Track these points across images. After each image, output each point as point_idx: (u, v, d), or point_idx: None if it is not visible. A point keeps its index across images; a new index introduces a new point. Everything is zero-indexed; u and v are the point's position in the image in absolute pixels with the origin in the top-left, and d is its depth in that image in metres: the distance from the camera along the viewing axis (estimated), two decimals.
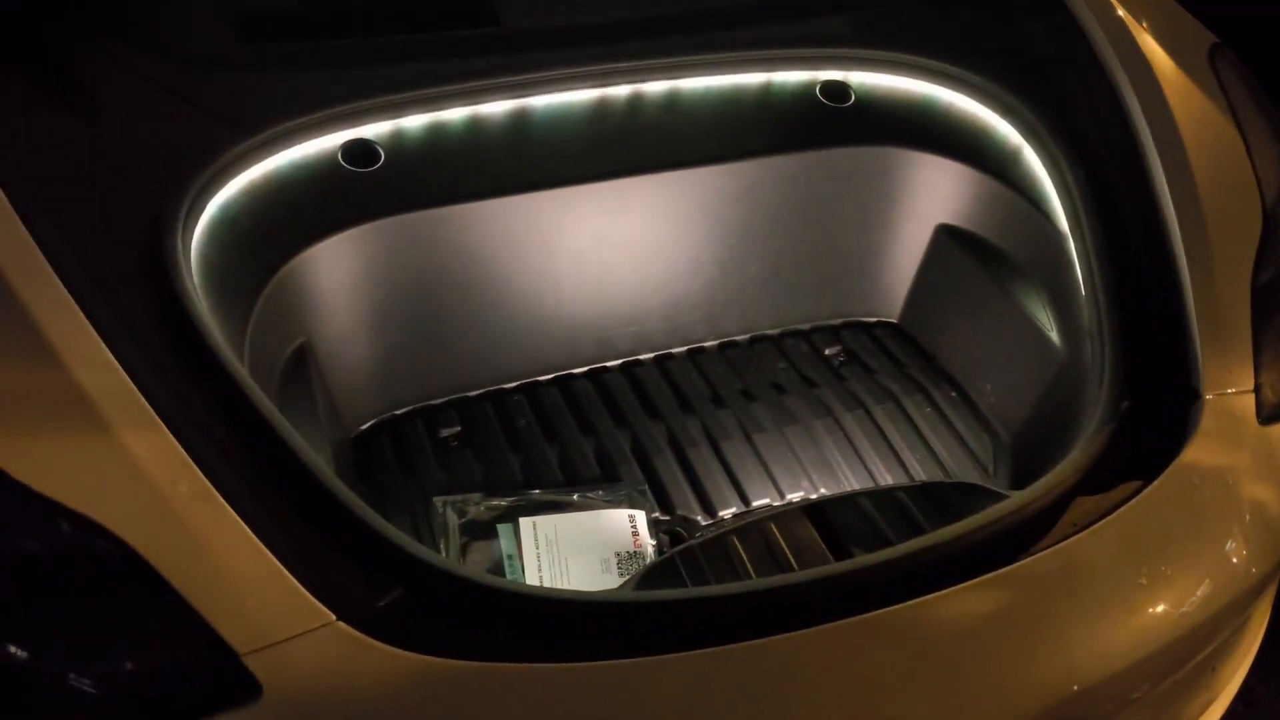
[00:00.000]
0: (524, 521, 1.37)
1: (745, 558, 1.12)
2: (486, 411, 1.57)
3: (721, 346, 1.73)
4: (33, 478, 0.92)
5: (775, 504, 1.46)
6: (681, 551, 1.13)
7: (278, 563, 0.95)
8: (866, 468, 1.52)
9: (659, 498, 1.46)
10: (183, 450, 0.95)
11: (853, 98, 1.64)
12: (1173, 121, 1.43)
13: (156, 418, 0.97)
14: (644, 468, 1.50)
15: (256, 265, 1.31)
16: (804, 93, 1.64)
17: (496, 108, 1.51)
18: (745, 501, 1.46)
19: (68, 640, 0.93)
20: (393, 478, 1.47)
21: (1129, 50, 1.51)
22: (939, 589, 1.01)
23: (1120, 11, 1.59)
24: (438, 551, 1.35)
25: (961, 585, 1.03)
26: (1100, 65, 1.50)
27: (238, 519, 0.95)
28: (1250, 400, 1.25)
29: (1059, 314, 1.51)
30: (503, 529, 1.37)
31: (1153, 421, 1.23)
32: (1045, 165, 1.51)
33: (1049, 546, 1.08)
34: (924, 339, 1.75)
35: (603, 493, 1.43)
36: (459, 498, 1.40)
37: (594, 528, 1.37)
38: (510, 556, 1.34)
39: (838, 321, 1.79)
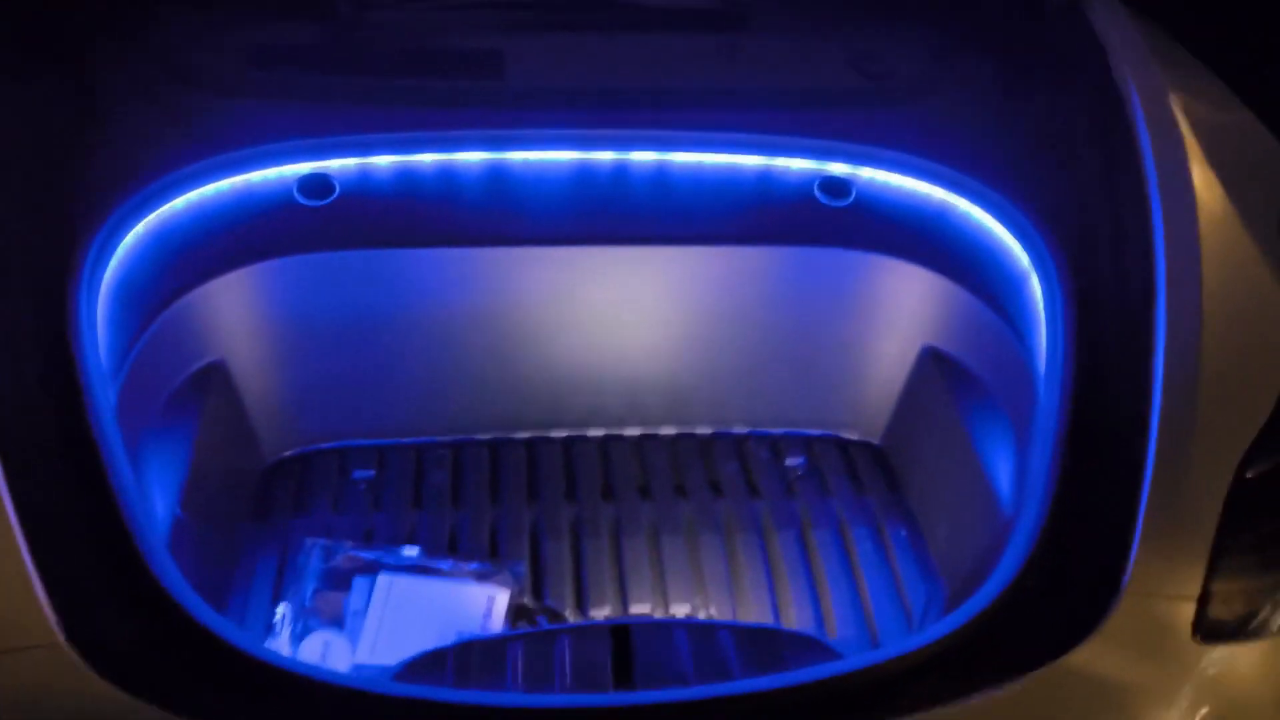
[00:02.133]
0: (382, 578, 1.33)
1: (520, 667, 1.03)
2: (408, 461, 1.54)
3: (679, 436, 1.63)
4: None
5: (655, 614, 1.36)
6: (460, 647, 1.06)
7: (32, 573, 0.95)
8: (771, 594, 1.39)
9: (538, 583, 1.38)
10: None
11: (853, 195, 1.53)
12: (1197, 284, 1.22)
13: None
14: (537, 549, 1.43)
15: (173, 280, 1.34)
16: (803, 185, 1.54)
17: (472, 158, 1.49)
18: (624, 605, 1.36)
19: None
20: (285, 513, 1.46)
21: (1178, 189, 1.32)
22: None
23: (1185, 136, 1.40)
24: (288, 595, 1.34)
25: None
26: (1141, 203, 1.32)
27: (13, 523, 0.97)
28: (1189, 609, 1.06)
29: (1021, 464, 1.34)
30: (359, 582, 1.33)
31: (1053, 607, 1.06)
32: (1044, 302, 1.35)
33: None
34: (899, 467, 1.59)
35: (477, 566, 1.36)
36: (331, 542, 1.37)
37: (449, 601, 1.31)
38: (355, 612, 1.30)
39: (815, 432, 1.66)
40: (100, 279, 1.23)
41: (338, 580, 1.33)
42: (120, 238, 1.28)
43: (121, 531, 1.00)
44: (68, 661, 0.93)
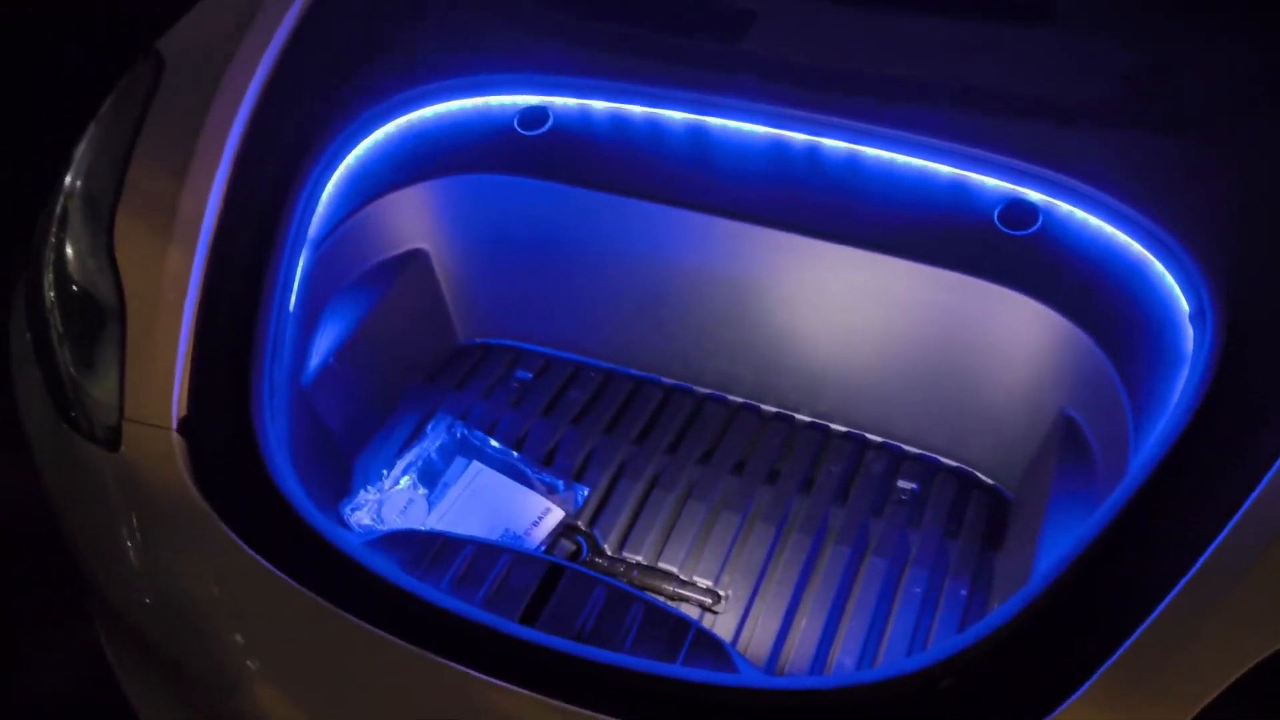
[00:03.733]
0: (474, 465, 1.55)
1: (463, 569, 1.20)
2: (563, 375, 1.73)
3: (811, 425, 1.65)
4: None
5: (680, 575, 1.44)
6: (425, 535, 1.24)
7: (178, 375, 1.29)
8: (793, 600, 1.41)
9: (600, 510, 1.52)
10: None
11: (1039, 225, 1.40)
12: None
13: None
14: (615, 482, 1.56)
15: (394, 175, 1.61)
16: (987, 208, 1.44)
17: (675, 116, 1.59)
18: (657, 557, 1.46)
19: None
20: (448, 385, 1.72)
21: None
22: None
23: None
24: (411, 448, 1.60)
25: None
26: None
27: (184, 333, 1.31)
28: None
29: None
30: (459, 461, 1.56)
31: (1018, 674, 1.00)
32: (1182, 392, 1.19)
33: None
34: (1014, 525, 1.48)
35: (550, 480, 1.53)
36: (459, 422, 1.61)
37: (513, 503, 1.50)
38: (446, 484, 1.54)
39: (951, 463, 1.58)
40: (337, 165, 1.54)
41: (448, 453, 1.58)
42: (364, 135, 1.57)
43: (248, 374, 1.29)
44: (169, 447, 1.26)
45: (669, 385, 1.72)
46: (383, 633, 1.08)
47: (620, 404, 1.68)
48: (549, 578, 1.20)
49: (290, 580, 1.12)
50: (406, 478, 1.55)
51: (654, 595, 1.43)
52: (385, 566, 1.14)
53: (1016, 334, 1.43)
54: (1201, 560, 1.00)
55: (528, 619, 1.16)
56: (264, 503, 1.20)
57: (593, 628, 1.15)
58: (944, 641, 1.05)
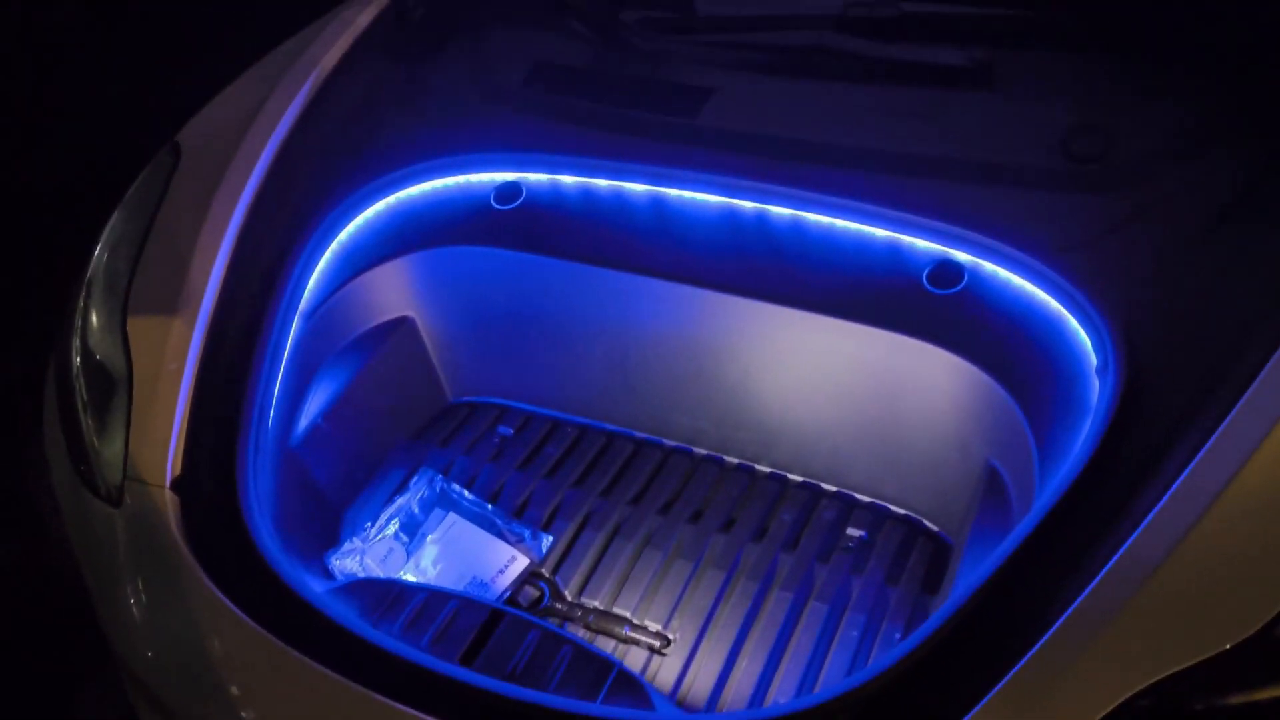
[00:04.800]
0: (451, 516, 1.67)
1: (415, 615, 1.31)
2: (540, 430, 1.85)
3: (770, 475, 1.75)
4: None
5: (633, 621, 1.53)
6: (384, 583, 1.37)
7: (175, 435, 1.44)
8: (736, 643, 1.49)
9: (563, 557, 1.63)
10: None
11: (963, 283, 1.49)
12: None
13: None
14: (580, 531, 1.67)
15: (384, 249, 1.76)
16: (917, 269, 1.53)
17: (637, 189, 1.71)
18: (611, 602, 1.56)
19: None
20: (434, 441, 1.86)
21: None
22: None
23: None
24: (395, 500, 1.73)
25: None
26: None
27: (182, 397, 1.46)
28: None
29: None
30: (437, 513, 1.69)
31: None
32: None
33: None
34: (954, 572, 1.54)
35: (520, 529, 1.64)
36: (440, 477, 1.74)
37: (482, 551, 1.62)
38: (424, 534, 1.66)
39: (900, 511, 1.66)
40: (330, 241, 1.69)
41: (428, 505, 1.70)
42: (355, 214, 1.73)
43: (236, 436, 1.44)
44: (163, 503, 1.41)
45: (640, 439, 1.83)
46: (334, 674, 1.20)
47: (593, 457, 1.80)
48: (490, 622, 1.31)
49: (256, 626, 1.26)
50: (390, 527, 1.68)
51: (608, 638, 1.53)
52: (342, 613, 1.27)
53: (945, 388, 1.51)
54: (1078, 601, 1.08)
55: (467, 660, 1.27)
56: (241, 554, 1.33)
57: (524, 668, 1.26)
58: (838, 682, 1.13)
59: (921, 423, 1.57)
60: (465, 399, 1.95)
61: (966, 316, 1.48)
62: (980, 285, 1.50)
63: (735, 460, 1.78)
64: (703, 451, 1.81)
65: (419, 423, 1.90)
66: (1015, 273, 1.47)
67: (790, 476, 1.74)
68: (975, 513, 1.47)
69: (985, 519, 1.43)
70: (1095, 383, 1.33)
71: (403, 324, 1.84)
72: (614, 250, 1.70)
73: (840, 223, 1.59)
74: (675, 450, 1.81)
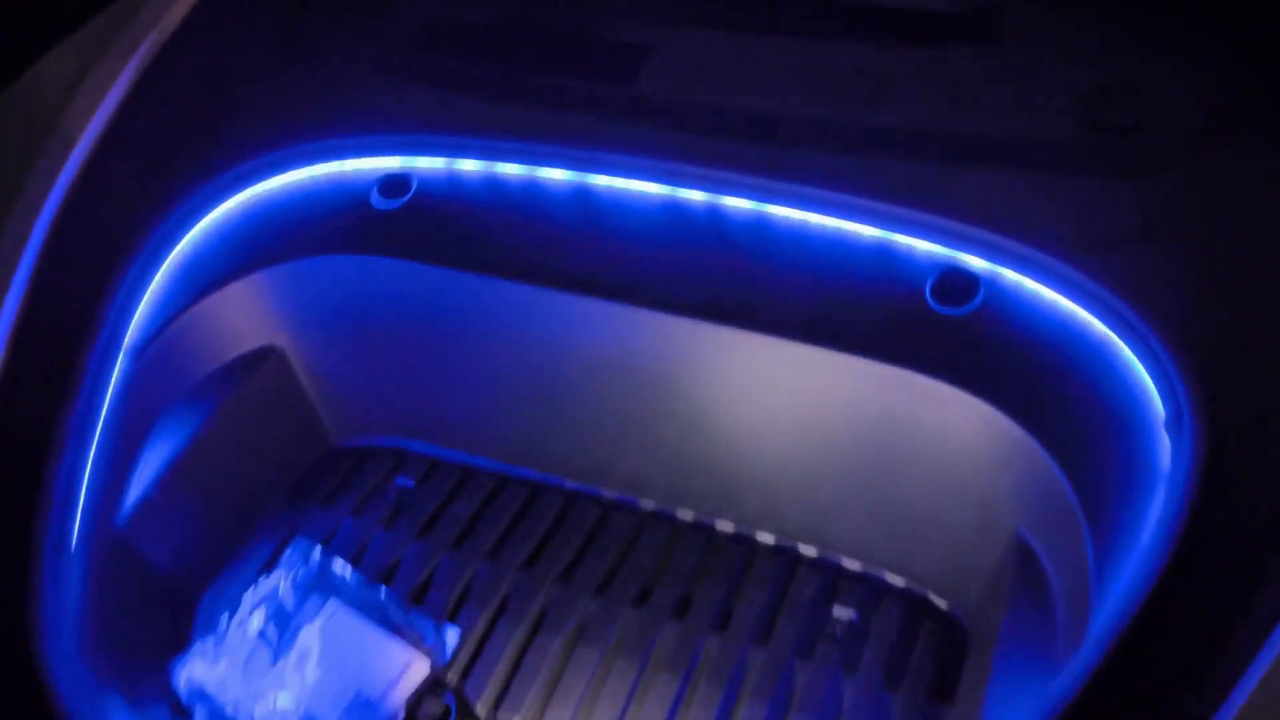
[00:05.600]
0: (330, 604, 1.31)
1: None
2: (449, 481, 1.49)
3: (734, 535, 1.40)
4: None
5: None
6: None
7: None
8: None
9: (475, 657, 1.28)
10: None
11: (978, 299, 1.16)
12: None
13: None
14: (496, 620, 1.32)
15: (234, 262, 1.39)
16: (918, 279, 1.19)
17: (556, 176, 1.36)
18: (540, 715, 1.22)
19: None
20: (315, 498, 1.49)
21: None
22: None
23: None
24: (264, 579, 1.37)
25: None
26: None
27: None
28: None
29: None
30: (314, 599, 1.32)
31: None
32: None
33: None
34: (969, 665, 1.22)
35: (421, 622, 1.29)
36: (318, 550, 1.37)
37: (370, 653, 1.26)
38: (297, 627, 1.30)
39: (899, 582, 1.33)
40: (164, 256, 1.32)
41: (303, 589, 1.35)
42: (197, 218, 1.35)
43: (27, 535, 1.08)
44: None
45: (571, 490, 1.48)
46: None
47: (512, 517, 1.44)
48: None
49: None
50: (254, 621, 1.32)
51: None
52: None
53: (957, 434, 1.18)
54: None
55: None
56: (26, 696, 0.99)
57: None
58: None
59: (927, 475, 1.24)
60: (354, 442, 1.59)
61: (984, 343, 1.15)
62: (1000, 301, 1.16)
63: (690, 516, 1.44)
64: (650, 505, 1.45)
65: (295, 474, 1.53)
66: (1047, 285, 1.14)
67: (759, 536, 1.41)
68: (1005, 601, 1.14)
69: (1019, 611, 1.10)
70: (1164, 439, 1.01)
71: (268, 356, 1.46)
72: (529, 258, 1.34)
73: (816, 219, 1.24)
74: (615, 504, 1.46)
